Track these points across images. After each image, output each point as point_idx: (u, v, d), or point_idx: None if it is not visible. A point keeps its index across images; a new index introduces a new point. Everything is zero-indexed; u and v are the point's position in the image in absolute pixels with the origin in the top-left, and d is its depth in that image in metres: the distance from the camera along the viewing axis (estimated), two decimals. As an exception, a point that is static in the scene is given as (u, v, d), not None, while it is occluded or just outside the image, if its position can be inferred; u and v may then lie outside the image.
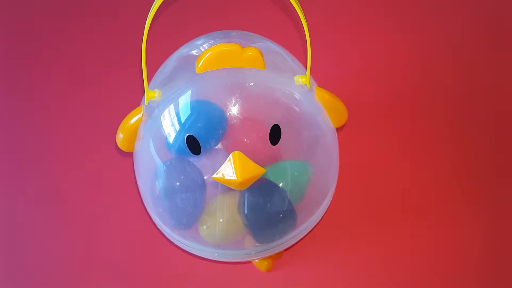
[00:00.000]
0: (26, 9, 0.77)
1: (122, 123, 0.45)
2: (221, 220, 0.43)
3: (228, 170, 0.39)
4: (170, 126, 0.43)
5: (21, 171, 0.64)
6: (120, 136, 0.45)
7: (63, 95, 0.69)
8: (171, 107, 0.43)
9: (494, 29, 0.71)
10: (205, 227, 0.44)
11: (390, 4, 0.74)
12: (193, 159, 0.43)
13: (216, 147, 0.42)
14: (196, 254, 0.47)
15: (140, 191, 0.48)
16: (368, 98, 0.66)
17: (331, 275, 0.55)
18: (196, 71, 0.41)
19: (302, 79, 0.44)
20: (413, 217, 0.58)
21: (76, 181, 0.63)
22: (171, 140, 0.42)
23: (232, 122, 0.41)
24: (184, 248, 0.47)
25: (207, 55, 0.41)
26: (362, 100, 0.66)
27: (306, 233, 0.47)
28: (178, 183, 0.43)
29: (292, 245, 0.49)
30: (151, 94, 0.44)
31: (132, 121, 0.44)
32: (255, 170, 0.39)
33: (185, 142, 0.41)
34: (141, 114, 0.44)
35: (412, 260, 0.56)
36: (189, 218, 0.44)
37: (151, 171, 0.45)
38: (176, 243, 0.47)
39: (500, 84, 0.67)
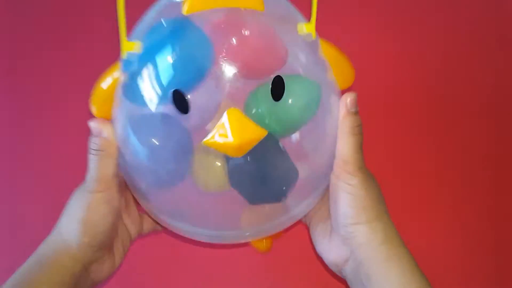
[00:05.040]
0: (25, 8, 0.72)
1: (93, 91, 0.39)
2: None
3: (223, 131, 0.32)
4: (153, 81, 0.35)
5: (20, 170, 0.62)
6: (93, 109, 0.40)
7: (63, 95, 0.66)
8: (154, 59, 0.36)
9: (494, 29, 0.68)
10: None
11: (391, 4, 0.70)
12: (181, 117, 0.35)
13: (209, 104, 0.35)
14: (193, 238, 0.40)
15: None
16: (368, 98, 0.62)
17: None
18: (183, 13, 0.34)
19: (307, 27, 0.37)
20: (414, 217, 0.58)
21: (76, 181, 0.58)
22: (154, 98, 0.35)
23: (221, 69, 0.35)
24: (180, 233, 0.41)
25: (196, -7, 0.34)
26: (362, 100, 0.63)
27: (302, 215, 0.42)
28: (159, 144, 0.36)
29: (290, 227, 0.44)
30: (130, 45, 0.37)
31: (105, 86, 0.39)
32: (255, 132, 0.33)
33: (172, 99, 0.34)
34: (116, 76, 0.38)
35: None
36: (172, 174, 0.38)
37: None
38: (172, 229, 0.41)
39: (501, 83, 0.65)
